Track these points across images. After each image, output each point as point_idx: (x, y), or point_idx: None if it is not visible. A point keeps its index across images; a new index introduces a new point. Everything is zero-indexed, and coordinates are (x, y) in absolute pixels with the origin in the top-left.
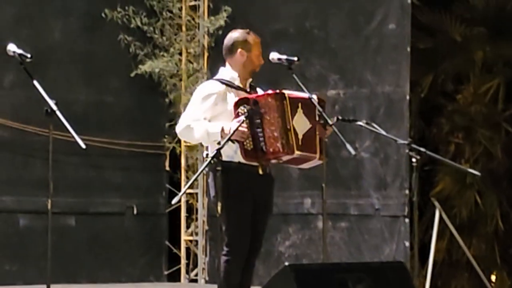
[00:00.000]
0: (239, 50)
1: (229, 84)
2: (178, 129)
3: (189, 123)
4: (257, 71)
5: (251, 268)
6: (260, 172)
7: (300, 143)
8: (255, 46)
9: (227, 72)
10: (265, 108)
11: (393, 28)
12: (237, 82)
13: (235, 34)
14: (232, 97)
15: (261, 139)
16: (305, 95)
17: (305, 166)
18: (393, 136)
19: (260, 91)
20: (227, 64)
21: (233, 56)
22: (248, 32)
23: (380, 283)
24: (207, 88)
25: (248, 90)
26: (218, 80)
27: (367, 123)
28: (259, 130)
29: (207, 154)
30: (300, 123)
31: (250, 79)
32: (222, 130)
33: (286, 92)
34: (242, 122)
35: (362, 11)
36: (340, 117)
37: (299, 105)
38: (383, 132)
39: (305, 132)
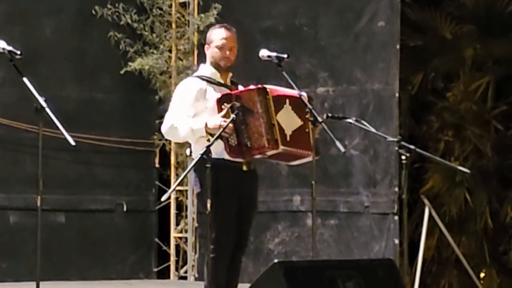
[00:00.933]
0: (206, 45)
1: (209, 80)
2: (163, 130)
3: (173, 123)
4: (228, 65)
5: (238, 265)
6: (245, 168)
7: (288, 138)
8: (216, 39)
9: (205, 68)
10: (248, 103)
11: (382, 26)
12: (217, 78)
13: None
14: (212, 93)
15: (245, 134)
16: (294, 92)
17: (296, 162)
18: (383, 134)
19: (241, 87)
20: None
21: (205, 52)
22: (218, 26)
23: (370, 280)
24: (187, 85)
25: (229, 85)
26: (198, 76)
27: (356, 120)
28: (243, 126)
29: (190, 152)
30: (288, 119)
31: (230, 74)
32: (206, 125)
33: (269, 87)
34: (232, 120)
35: (351, 9)
36: (330, 114)
37: (286, 101)
38: (373, 130)
39: (296, 128)
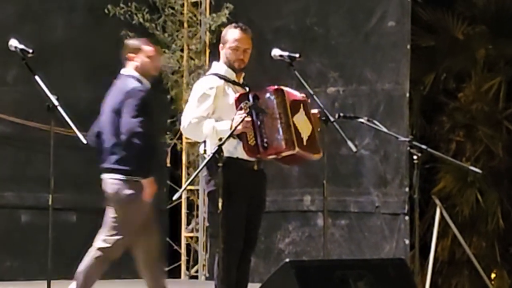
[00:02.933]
0: (220, 45)
1: (225, 78)
2: (184, 126)
3: (195, 120)
4: (242, 67)
5: (248, 264)
6: (255, 167)
7: (304, 143)
8: (231, 39)
9: (220, 66)
10: (267, 103)
11: (392, 26)
12: (232, 77)
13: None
14: (231, 91)
15: (264, 134)
16: (300, 95)
17: (304, 162)
18: (395, 134)
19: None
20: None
21: (219, 51)
22: (233, 26)
23: (381, 279)
24: (207, 83)
25: (243, 85)
26: (215, 74)
27: (368, 120)
28: (262, 126)
29: (204, 150)
30: (302, 123)
31: (243, 74)
32: (231, 127)
33: (285, 89)
34: (245, 117)
35: (362, 9)
36: (341, 114)
37: (301, 105)
38: (385, 129)
39: (310, 134)
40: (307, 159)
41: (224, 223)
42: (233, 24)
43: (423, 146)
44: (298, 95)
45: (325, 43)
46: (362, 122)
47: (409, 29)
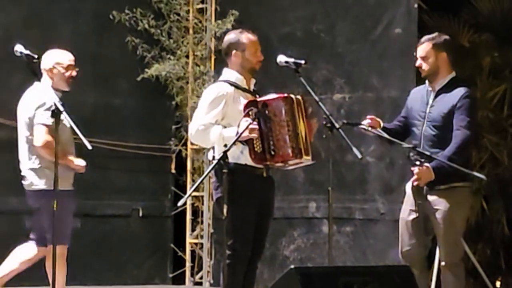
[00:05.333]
0: (233, 51)
1: (236, 86)
2: (191, 133)
3: (202, 127)
4: (260, 69)
5: (254, 271)
6: (264, 174)
7: (307, 147)
8: (249, 44)
9: (231, 73)
10: (275, 111)
11: (399, 33)
12: (243, 84)
13: (229, 36)
14: (241, 98)
15: (271, 142)
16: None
17: (294, 167)
18: (397, 140)
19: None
20: (228, 66)
21: (230, 58)
22: (241, 32)
23: (386, 286)
24: (217, 90)
25: (253, 92)
26: (226, 81)
27: (370, 126)
28: (269, 133)
29: (213, 156)
30: (303, 128)
31: (254, 81)
32: (237, 134)
33: (293, 96)
34: (251, 123)
35: (368, 16)
36: (345, 121)
37: (300, 108)
38: (386, 136)
39: (305, 134)
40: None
41: (232, 230)
42: (239, 30)
43: (426, 153)
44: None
45: (332, 50)
46: (365, 129)
47: (416, 37)
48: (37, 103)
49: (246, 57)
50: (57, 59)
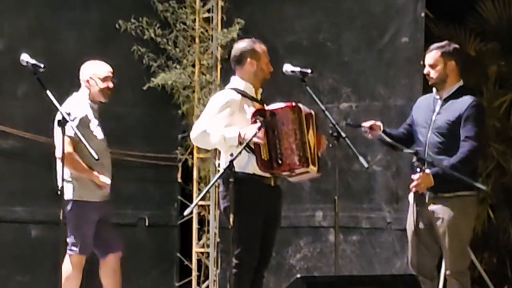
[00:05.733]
0: (248, 60)
1: (244, 94)
2: (193, 134)
3: (205, 129)
4: (269, 79)
5: (261, 280)
6: (272, 183)
7: (314, 157)
8: (263, 54)
9: (239, 82)
10: (283, 119)
11: (406, 42)
12: (252, 93)
13: (242, 44)
14: (248, 107)
15: (278, 150)
16: (310, 110)
17: (302, 179)
18: (399, 145)
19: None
20: (236, 74)
21: (242, 67)
22: (254, 41)
23: None
24: (224, 97)
25: (261, 101)
26: (234, 89)
27: (370, 128)
28: (276, 141)
29: (219, 164)
30: (312, 138)
31: (261, 90)
32: (239, 135)
33: (300, 105)
34: (257, 132)
35: (375, 25)
36: (346, 122)
37: (310, 121)
38: (388, 140)
39: (313, 146)
40: (313, 175)
41: (239, 239)
42: (251, 39)
43: (429, 160)
44: (307, 109)
45: (338, 59)
46: (366, 131)
47: (422, 45)
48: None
49: (261, 67)
50: (94, 70)
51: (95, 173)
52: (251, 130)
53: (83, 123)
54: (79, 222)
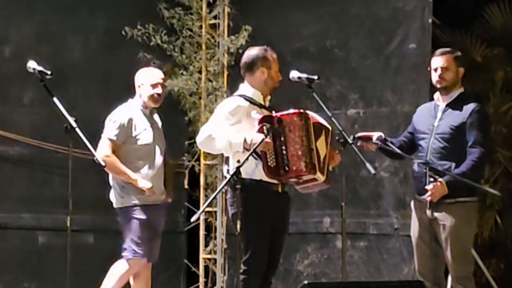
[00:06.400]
0: (259, 68)
1: (252, 102)
2: (199, 139)
3: (211, 133)
4: (276, 87)
5: (268, 286)
6: (279, 190)
7: (325, 168)
8: (274, 62)
9: (248, 89)
10: (290, 126)
11: (413, 48)
12: (260, 100)
13: (253, 52)
14: (255, 114)
15: (285, 156)
16: (325, 122)
17: (311, 189)
18: (407, 155)
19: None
20: (246, 81)
21: (253, 74)
22: (266, 49)
23: None
24: (232, 104)
25: (269, 108)
26: (242, 96)
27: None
28: (283, 148)
29: (227, 170)
30: (322, 148)
31: (269, 97)
32: (245, 141)
33: (309, 113)
34: (266, 137)
35: (382, 31)
36: (356, 135)
37: (323, 131)
38: (397, 150)
39: (324, 156)
40: (320, 186)
41: (247, 246)
42: (263, 47)
43: (439, 168)
44: (322, 121)
45: (345, 65)
46: (376, 143)
47: (430, 51)
48: (110, 116)
49: (271, 75)
50: (145, 77)
51: (134, 176)
52: (257, 136)
53: (123, 127)
54: (129, 226)
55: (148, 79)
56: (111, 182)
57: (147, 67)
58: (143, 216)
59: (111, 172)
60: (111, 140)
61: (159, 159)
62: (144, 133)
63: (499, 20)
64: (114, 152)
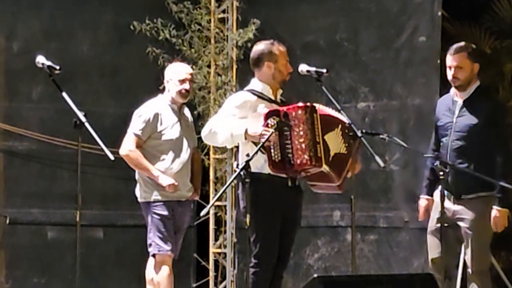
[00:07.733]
0: (265, 62)
1: (261, 96)
2: (203, 133)
3: (214, 126)
4: (287, 80)
5: (279, 280)
6: (289, 184)
7: (330, 159)
8: (281, 56)
9: (257, 83)
10: (295, 120)
11: (423, 41)
12: (269, 94)
13: (259, 47)
14: (263, 109)
15: (289, 150)
16: (343, 118)
17: (323, 190)
18: (415, 149)
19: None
20: (256, 76)
21: (260, 69)
22: (272, 43)
23: None
24: (239, 98)
25: (279, 102)
26: (250, 91)
27: (388, 137)
28: (287, 142)
29: (237, 165)
30: (335, 143)
31: (281, 91)
32: (246, 131)
33: (319, 106)
34: (271, 134)
35: (392, 24)
36: (364, 131)
37: (339, 125)
38: (404, 145)
39: (338, 152)
40: (329, 186)
41: (257, 239)
42: (269, 41)
43: (449, 162)
44: (337, 114)
45: (355, 58)
46: (383, 139)
47: (439, 44)
48: (137, 111)
49: (279, 69)
50: (173, 72)
51: (156, 173)
52: (258, 128)
53: (148, 122)
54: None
55: (176, 75)
56: (136, 177)
57: (176, 62)
58: (164, 212)
59: (134, 167)
60: (136, 135)
61: (185, 155)
62: (170, 129)
63: (508, 12)
64: (139, 146)
